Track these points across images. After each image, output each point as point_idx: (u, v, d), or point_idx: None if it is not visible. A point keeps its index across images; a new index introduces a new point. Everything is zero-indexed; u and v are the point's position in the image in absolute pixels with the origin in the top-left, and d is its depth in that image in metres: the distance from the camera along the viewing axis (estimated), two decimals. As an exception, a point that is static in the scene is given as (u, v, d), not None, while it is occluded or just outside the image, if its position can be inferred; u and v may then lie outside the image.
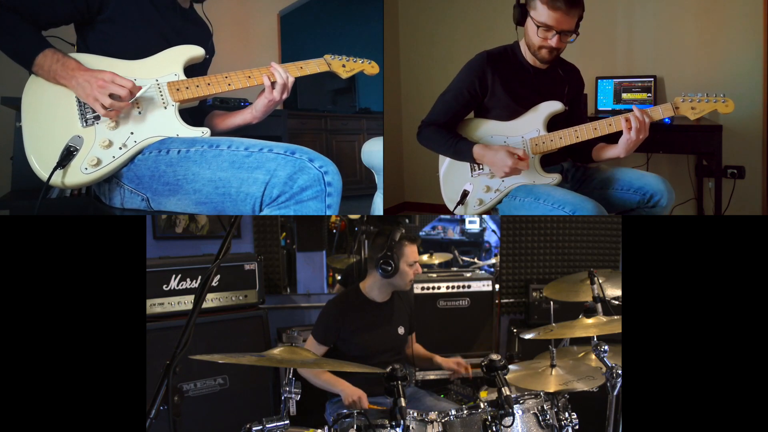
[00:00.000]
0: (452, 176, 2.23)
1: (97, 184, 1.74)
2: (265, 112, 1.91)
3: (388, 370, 1.64)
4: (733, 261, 1.50)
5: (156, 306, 2.30)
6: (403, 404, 1.59)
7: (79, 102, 1.69)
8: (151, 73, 1.75)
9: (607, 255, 3.10)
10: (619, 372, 1.80)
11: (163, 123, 1.73)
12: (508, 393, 1.69)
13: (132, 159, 1.69)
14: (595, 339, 1.88)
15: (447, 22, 3.65)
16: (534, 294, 2.87)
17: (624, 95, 3.32)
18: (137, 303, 1.47)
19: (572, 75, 2.22)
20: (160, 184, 1.66)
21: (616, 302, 2.24)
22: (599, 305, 2.03)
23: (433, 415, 1.74)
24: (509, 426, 1.69)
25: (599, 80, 3.36)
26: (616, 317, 1.96)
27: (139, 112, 1.72)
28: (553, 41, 2.01)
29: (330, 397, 2.13)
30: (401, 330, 2.23)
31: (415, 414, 1.72)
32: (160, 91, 1.75)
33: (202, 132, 1.74)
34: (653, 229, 1.57)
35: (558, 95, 2.13)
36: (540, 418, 1.83)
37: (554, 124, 2.11)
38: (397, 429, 1.60)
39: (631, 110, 1.93)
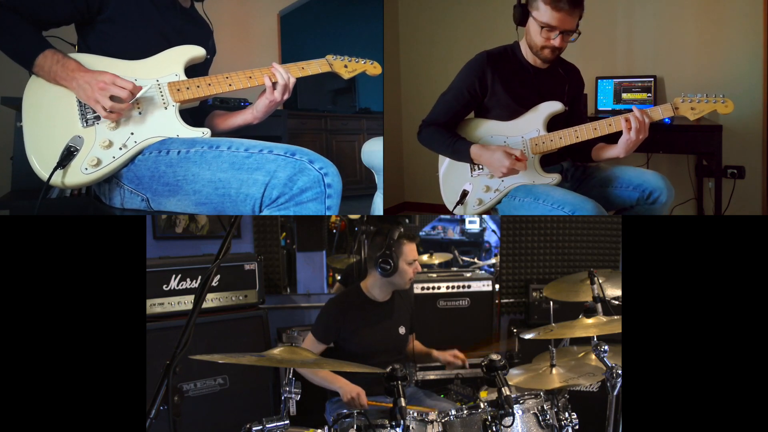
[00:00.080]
0: (452, 176, 2.23)
1: (97, 184, 1.74)
2: (266, 112, 1.90)
3: (388, 370, 1.64)
4: (733, 261, 1.50)
5: (156, 306, 2.30)
6: (403, 404, 1.59)
7: (80, 102, 1.69)
8: (152, 74, 1.75)
9: (607, 255, 3.09)
10: (619, 372, 1.80)
11: (164, 123, 1.73)
12: (508, 393, 1.69)
13: (132, 159, 1.69)
14: (595, 339, 1.87)
15: (447, 22, 3.65)
16: (534, 294, 2.86)
17: (624, 95, 3.32)
18: (137, 303, 1.47)
19: (572, 75, 2.21)
20: (160, 185, 1.66)
21: (616, 302, 2.24)
22: (599, 305, 2.02)
23: (433, 415, 1.74)
24: (509, 426, 1.69)
25: (599, 80, 3.36)
26: (616, 317, 1.95)
27: (140, 113, 1.72)
28: (556, 41, 2.01)
29: (330, 397, 2.13)
30: (402, 330, 2.23)
31: (415, 414, 1.72)
32: (161, 92, 1.74)
33: (202, 132, 1.74)
34: (653, 229, 1.57)
35: (558, 95, 2.13)
36: (540, 418, 1.83)
37: (554, 124, 2.11)
38: (397, 429, 1.60)
39: (631, 110, 1.93)
